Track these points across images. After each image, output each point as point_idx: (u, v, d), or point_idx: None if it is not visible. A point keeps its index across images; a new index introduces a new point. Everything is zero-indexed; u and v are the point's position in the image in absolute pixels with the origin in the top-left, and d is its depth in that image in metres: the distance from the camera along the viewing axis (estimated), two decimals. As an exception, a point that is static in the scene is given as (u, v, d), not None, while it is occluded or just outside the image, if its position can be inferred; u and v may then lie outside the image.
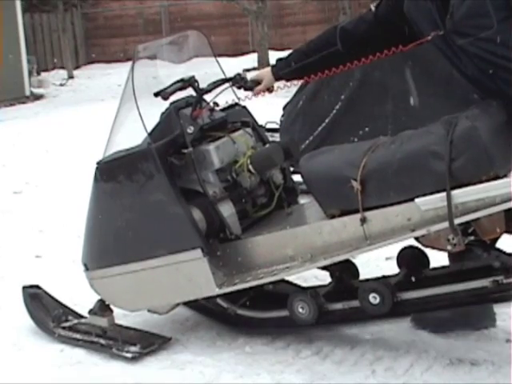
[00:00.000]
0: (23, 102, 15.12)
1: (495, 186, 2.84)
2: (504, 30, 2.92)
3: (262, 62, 16.77)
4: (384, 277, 3.44)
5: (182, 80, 3.58)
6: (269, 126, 6.34)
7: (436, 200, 2.93)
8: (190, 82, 3.58)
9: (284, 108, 4.86)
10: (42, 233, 5.83)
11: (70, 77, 18.54)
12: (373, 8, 3.31)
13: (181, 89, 3.57)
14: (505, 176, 2.87)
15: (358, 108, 5.44)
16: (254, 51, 18.14)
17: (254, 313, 3.61)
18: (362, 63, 3.28)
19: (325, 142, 5.63)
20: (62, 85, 17.62)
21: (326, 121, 5.61)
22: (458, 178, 2.88)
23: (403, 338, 3.48)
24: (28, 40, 17.15)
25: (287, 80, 3.60)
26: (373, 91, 5.37)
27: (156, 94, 3.51)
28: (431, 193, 2.95)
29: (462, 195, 2.89)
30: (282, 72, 3.54)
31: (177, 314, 3.86)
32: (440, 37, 3.02)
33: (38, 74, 17.79)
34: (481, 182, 2.87)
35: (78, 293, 4.10)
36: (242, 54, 18.14)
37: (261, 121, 5.11)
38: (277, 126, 6.06)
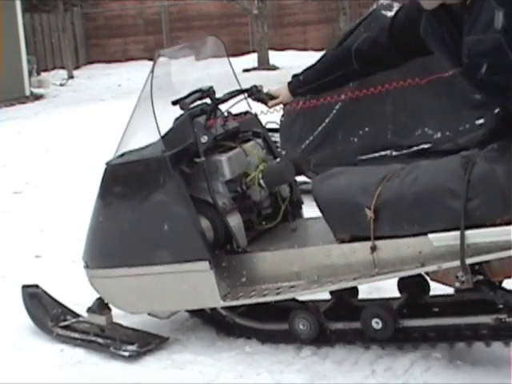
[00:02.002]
0: (23, 102, 15.12)
1: (509, 230, 2.86)
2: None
3: (262, 62, 16.80)
4: (385, 299, 3.44)
5: (200, 90, 3.60)
6: (269, 126, 6.33)
7: (449, 238, 2.94)
8: (208, 92, 3.60)
9: (284, 108, 4.86)
10: (42, 233, 5.83)
11: (70, 77, 18.55)
12: (375, 6, 3.29)
13: (199, 99, 3.60)
14: None
15: (358, 108, 5.44)
16: (254, 51, 18.15)
17: (252, 323, 3.60)
18: (378, 91, 3.30)
19: (325, 141, 5.65)
20: (61, 85, 17.62)
21: (326, 121, 5.61)
22: (472, 218, 2.90)
23: (403, 338, 3.48)
24: (28, 40, 17.15)
25: (303, 96, 3.64)
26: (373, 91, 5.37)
27: (174, 103, 3.52)
28: (444, 229, 2.96)
29: (475, 236, 2.90)
30: (300, 90, 3.54)
31: (177, 315, 3.85)
32: (459, 72, 2.99)
33: (38, 73, 17.80)
34: (494, 224, 2.89)
35: (77, 293, 4.10)
36: (242, 53, 18.14)
37: (261, 121, 5.11)
38: (277, 126, 6.06)
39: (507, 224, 2.87)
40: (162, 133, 3.51)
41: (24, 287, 4.08)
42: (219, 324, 3.71)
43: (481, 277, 3.03)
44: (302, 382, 3.21)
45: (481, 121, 4.96)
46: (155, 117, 3.42)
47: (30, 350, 3.78)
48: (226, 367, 3.39)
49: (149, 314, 3.76)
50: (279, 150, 5.75)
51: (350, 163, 5.23)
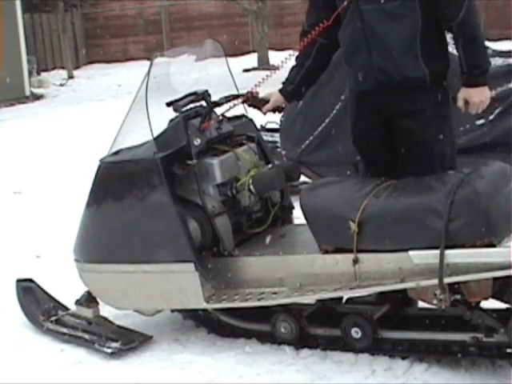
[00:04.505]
0: (23, 102, 15.13)
1: (488, 253, 2.90)
2: (407, 5, 3.02)
3: (262, 62, 16.78)
4: (367, 308, 3.42)
5: (195, 93, 3.62)
6: (269, 126, 6.34)
7: (429, 256, 2.98)
8: (203, 95, 3.62)
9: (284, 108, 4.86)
10: (42, 233, 5.84)
11: (70, 77, 18.55)
12: None
13: (193, 102, 3.61)
14: (499, 244, 2.93)
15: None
16: (254, 51, 18.15)
17: (236, 321, 3.63)
18: (314, 36, 3.37)
19: (325, 141, 5.64)
20: (61, 85, 17.62)
21: (326, 121, 5.60)
22: (453, 238, 2.94)
23: (403, 338, 3.48)
24: (28, 40, 17.14)
25: (297, 98, 3.72)
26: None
27: (168, 104, 3.55)
28: (425, 247, 3.00)
29: (454, 256, 2.94)
30: (289, 89, 3.57)
31: (177, 314, 3.86)
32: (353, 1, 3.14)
33: (38, 73, 17.80)
34: (474, 246, 2.93)
35: (77, 293, 4.09)
36: (242, 53, 18.13)
37: (261, 121, 5.12)
38: (277, 126, 6.06)
39: (487, 246, 2.91)
40: (157, 133, 3.54)
41: (18, 281, 4.14)
42: (204, 320, 3.73)
43: (458, 296, 3.07)
44: (302, 382, 3.21)
45: (481, 121, 4.95)
46: (149, 119, 3.45)
47: (31, 350, 3.78)
48: (226, 367, 3.40)
49: (135, 311, 3.80)
50: (279, 149, 5.78)
51: (349, 163, 5.24)
